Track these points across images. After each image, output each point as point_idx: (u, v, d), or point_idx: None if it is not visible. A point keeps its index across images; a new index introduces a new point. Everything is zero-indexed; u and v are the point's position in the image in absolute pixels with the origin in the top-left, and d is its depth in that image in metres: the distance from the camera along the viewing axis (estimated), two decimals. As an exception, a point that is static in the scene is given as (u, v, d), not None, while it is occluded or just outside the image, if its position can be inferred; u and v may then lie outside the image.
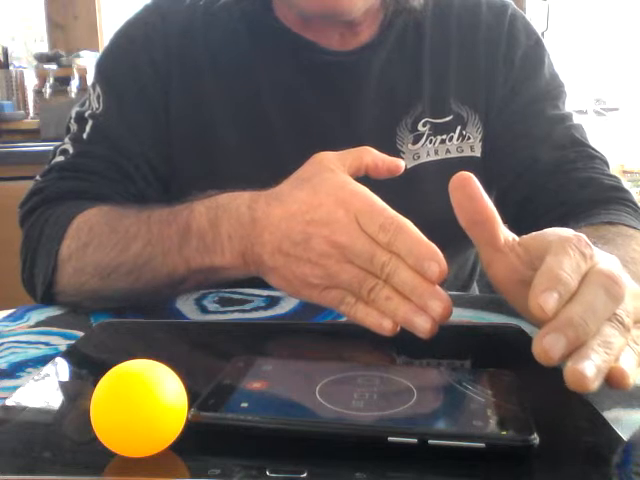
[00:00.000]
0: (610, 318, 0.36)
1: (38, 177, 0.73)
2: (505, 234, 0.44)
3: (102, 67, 0.76)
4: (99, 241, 0.59)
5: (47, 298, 0.63)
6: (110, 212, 0.62)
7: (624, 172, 2.78)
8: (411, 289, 0.43)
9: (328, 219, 0.46)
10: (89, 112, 0.73)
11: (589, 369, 0.33)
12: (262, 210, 0.50)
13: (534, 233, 0.43)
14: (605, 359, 0.34)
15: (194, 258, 0.53)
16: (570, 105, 0.78)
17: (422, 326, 0.43)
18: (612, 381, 0.35)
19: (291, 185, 0.50)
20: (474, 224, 0.43)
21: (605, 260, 0.39)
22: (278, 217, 0.49)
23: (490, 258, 0.44)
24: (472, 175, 0.43)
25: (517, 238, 0.44)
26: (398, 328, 0.45)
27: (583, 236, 0.39)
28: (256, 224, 0.50)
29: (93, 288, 0.59)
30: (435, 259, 0.43)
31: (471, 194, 0.43)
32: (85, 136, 0.72)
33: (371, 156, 0.52)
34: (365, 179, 0.51)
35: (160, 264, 0.55)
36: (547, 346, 0.34)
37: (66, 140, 0.74)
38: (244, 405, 0.34)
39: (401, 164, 0.53)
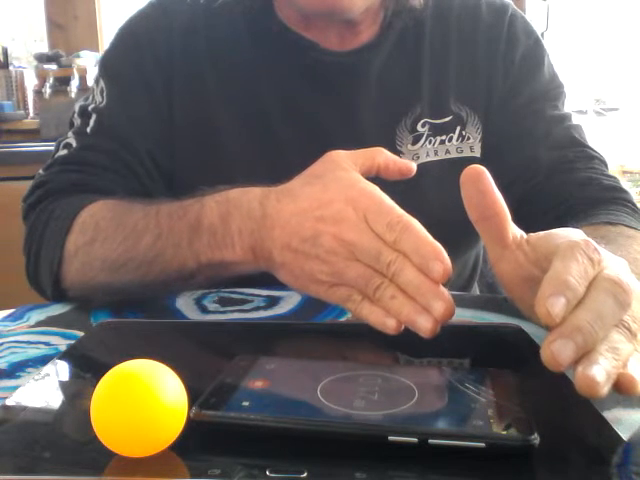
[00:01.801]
0: (617, 324, 0.36)
1: (41, 171, 0.73)
2: (514, 231, 0.44)
3: (106, 62, 0.76)
4: (106, 236, 0.59)
5: (57, 295, 0.63)
6: (116, 206, 0.62)
7: (624, 172, 2.78)
8: (415, 288, 0.43)
9: (337, 217, 0.46)
10: (92, 106, 0.73)
11: (599, 374, 0.33)
12: (273, 206, 0.50)
13: (542, 232, 0.43)
14: (614, 365, 0.34)
15: (204, 253, 0.53)
16: (570, 105, 0.78)
17: (424, 326, 0.43)
18: (621, 388, 0.35)
19: (302, 182, 0.51)
20: (483, 219, 0.43)
21: (613, 265, 0.38)
22: (289, 213, 0.49)
23: (498, 255, 0.44)
24: (485, 169, 0.43)
25: (525, 235, 0.44)
26: (402, 327, 0.45)
27: (591, 241, 0.39)
28: (267, 220, 0.50)
29: (102, 282, 0.59)
30: (439, 259, 0.43)
31: (482, 188, 0.43)
32: (89, 130, 0.72)
33: (383, 157, 0.52)
34: (366, 178, 0.51)
35: (170, 258, 0.55)
36: (555, 352, 0.34)
37: (69, 134, 0.74)
38: (245, 404, 0.34)
39: (413, 166, 0.53)
